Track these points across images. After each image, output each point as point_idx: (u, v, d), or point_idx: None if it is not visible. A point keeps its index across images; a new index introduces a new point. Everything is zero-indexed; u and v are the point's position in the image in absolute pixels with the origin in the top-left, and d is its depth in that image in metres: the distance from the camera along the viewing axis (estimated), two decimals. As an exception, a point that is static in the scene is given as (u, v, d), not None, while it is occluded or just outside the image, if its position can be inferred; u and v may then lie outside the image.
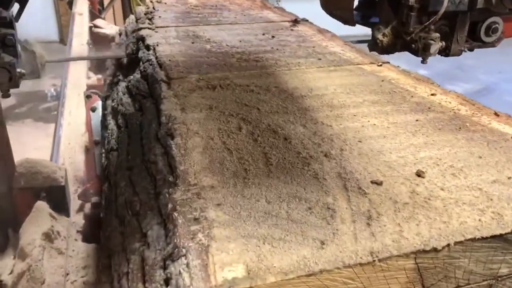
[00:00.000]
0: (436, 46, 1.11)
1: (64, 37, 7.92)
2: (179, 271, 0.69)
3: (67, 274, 1.97)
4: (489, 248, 0.78)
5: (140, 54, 1.67)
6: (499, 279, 0.81)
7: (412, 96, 1.29)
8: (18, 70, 1.16)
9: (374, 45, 1.18)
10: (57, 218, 2.04)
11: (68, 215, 2.17)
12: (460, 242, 0.76)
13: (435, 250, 0.75)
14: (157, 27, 1.86)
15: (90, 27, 5.47)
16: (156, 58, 1.55)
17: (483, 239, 0.77)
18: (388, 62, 1.57)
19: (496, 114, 1.21)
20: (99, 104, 2.70)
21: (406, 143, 1.05)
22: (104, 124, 1.76)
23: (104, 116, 1.73)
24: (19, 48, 1.18)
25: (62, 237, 2.00)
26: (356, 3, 1.26)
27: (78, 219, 2.37)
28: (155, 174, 0.97)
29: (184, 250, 0.72)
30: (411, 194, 0.87)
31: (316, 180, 0.90)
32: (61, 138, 3.28)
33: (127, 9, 8.78)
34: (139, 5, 6.66)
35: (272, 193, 0.86)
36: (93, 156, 2.74)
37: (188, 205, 0.82)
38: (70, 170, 2.74)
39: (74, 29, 5.33)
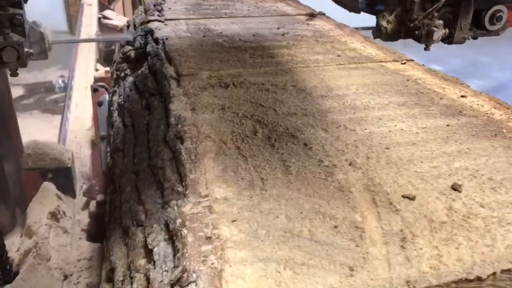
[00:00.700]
0: (439, 33, 1.11)
1: (73, 27, 7.85)
2: (189, 300, 0.61)
3: (71, 275, 1.93)
4: (540, 277, 0.69)
5: (149, 48, 1.58)
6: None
7: (441, 98, 1.19)
8: (26, 49, 1.17)
9: (378, 32, 1.18)
10: (63, 198, 2.14)
11: (74, 196, 2.26)
12: (507, 270, 0.67)
13: (479, 279, 0.66)
14: (166, 19, 1.77)
15: (99, 18, 5.39)
16: (165, 52, 1.46)
17: (534, 267, 0.68)
18: (412, 60, 1.47)
19: (534, 119, 1.11)
20: (106, 98, 2.62)
21: (438, 151, 0.95)
22: (110, 121, 1.67)
23: (110, 112, 1.65)
24: (27, 28, 1.19)
25: (68, 217, 2.08)
26: None
27: (83, 217, 2.31)
28: (162, 181, 0.89)
29: (194, 275, 0.63)
30: (448, 212, 0.77)
31: (341, 193, 0.81)
32: (67, 132, 3.21)
33: (136, 0, 8.69)
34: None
35: (292, 207, 0.77)
36: (99, 151, 2.67)
37: (198, 220, 0.73)
38: (76, 166, 2.69)
39: (82, 20, 5.26)
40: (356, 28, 1.73)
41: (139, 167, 1.01)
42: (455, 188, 0.84)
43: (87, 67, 4.16)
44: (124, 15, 7.86)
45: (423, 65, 1.45)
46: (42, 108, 6.04)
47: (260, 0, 2.11)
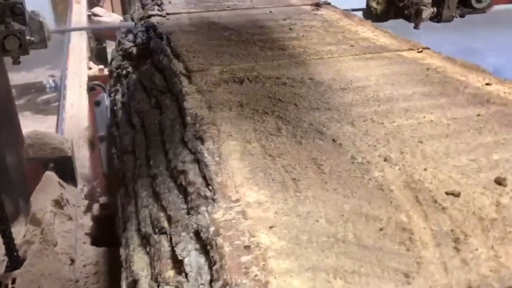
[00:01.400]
0: (427, 11, 1.18)
1: (60, 25, 7.71)
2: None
3: (77, 282, 1.88)
4: None
5: (152, 44, 1.51)
6: None
7: (465, 87, 1.14)
8: (28, 37, 1.19)
9: (368, 13, 1.26)
10: (66, 187, 2.12)
11: (75, 185, 2.27)
12: None
13: (543, 280, 0.61)
14: (168, 14, 1.70)
15: (89, 16, 5.28)
16: (171, 48, 1.39)
17: None
18: (428, 48, 1.42)
19: None
20: (103, 97, 2.55)
21: (474, 143, 0.90)
22: (113, 120, 1.61)
23: (113, 111, 1.58)
24: (27, 17, 1.21)
25: (71, 205, 2.08)
26: None
27: (85, 221, 2.24)
28: (185, 185, 0.83)
29: (238, 290, 0.58)
30: (497, 208, 0.73)
31: (381, 191, 0.76)
32: (64, 132, 3.13)
33: (125, -3, 8.55)
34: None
35: (332, 209, 0.71)
36: (99, 152, 2.60)
37: (233, 227, 0.68)
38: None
39: (72, 18, 5.15)
40: (346, 10, 1.74)
41: (156, 171, 0.95)
42: (499, 182, 0.79)
43: (79, 66, 4.06)
44: (113, 12, 7.74)
45: (439, 52, 1.40)
46: (34, 109, 5.93)
47: (262, -9, 2.05)
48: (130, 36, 1.85)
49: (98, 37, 5.10)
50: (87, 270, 1.97)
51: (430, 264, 0.62)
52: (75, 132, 3.15)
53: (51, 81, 6.54)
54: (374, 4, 1.24)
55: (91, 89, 2.62)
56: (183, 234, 0.74)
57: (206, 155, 0.86)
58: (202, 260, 0.68)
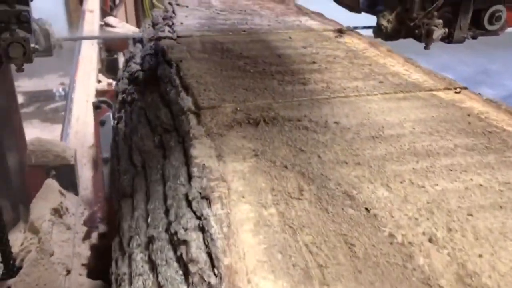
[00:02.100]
0: (439, 32, 1.14)
1: (73, 33, 7.68)
2: None
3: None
4: None
5: (160, 71, 1.38)
6: None
7: (515, 139, 0.99)
8: (32, 45, 1.18)
9: (379, 31, 1.21)
10: (66, 195, 2.12)
11: (76, 193, 2.26)
12: None
13: None
14: (179, 36, 1.57)
15: (101, 25, 5.21)
16: (180, 78, 1.26)
17: None
18: (466, 88, 1.27)
19: None
20: (108, 116, 2.43)
21: (535, 219, 0.75)
22: (115, 145, 1.47)
23: (115, 140, 1.45)
24: (33, 24, 1.20)
25: (71, 213, 2.09)
26: None
27: (83, 250, 2.11)
28: (186, 261, 0.68)
29: None
30: None
31: (429, 289, 0.61)
32: (68, 148, 3.00)
33: (139, 7, 8.53)
34: (154, 6, 6.37)
35: (368, 315, 0.56)
36: (102, 175, 2.47)
37: (244, 337, 0.53)
38: (77, 202, 2.47)
39: (84, 27, 5.07)
40: (356, 28, 1.72)
41: (154, 232, 0.81)
42: None
43: (88, 78, 3.96)
44: (127, 22, 7.69)
45: (479, 94, 1.25)
46: (42, 117, 5.87)
47: (281, 14, 1.92)
48: (138, 57, 1.73)
49: (110, 48, 5.02)
50: (81, 307, 1.84)
51: None
52: (79, 149, 3.03)
53: (60, 89, 6.48)
54: (384, 23, 1.19)
55: (96, 107, 2.49)
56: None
57: (213, 223, 0.71)
58: None
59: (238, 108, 1.09)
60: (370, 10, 1.29)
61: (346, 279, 0.61)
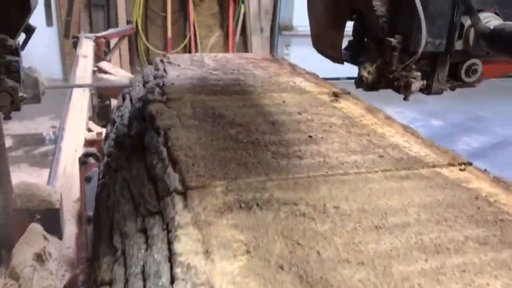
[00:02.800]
0: (417, 84, 1.17)
1: (67, 76, 7.69)
2: None
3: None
4: None
5: (147, 139, 1.30)
6: None
7: (530, 230, 0.91)
8: (20, 94, 1.23)
9: (360, 82, 1.24)
10: (50, 239, 2.08)
11: (61, 237, 2.24)
12: None
13: None
14: (168, 99, 1.51)
15: (94, 71, 5.19)
16: (168, 150, 1.18)
17: None
18: (471, 163, 1.20)
19: None
20: (95, 172, 2.34)
21: None
22: (97, 225, 1.38)
23: (97, 210, 1.35)
24: (22, 74, 1.25)
25: (54, 259, 2.05)
26: (346, 43, 1.35)
27: (65, 295, 1.99)
28: None
29: None
30: None
31: None
32: (52, 201, 2.88)
33: (134, 51, 8.59)
34: (149, 51, 6.40)
35: None
36: (86, 234, 2.35)
37: None
38: (61, 247, 2.40)
39: (77, 73, 5.05)
40: (338, 79, 1.80)
41: None
42: None
43: (78, 127, 3.88)
44: (121, 67, 7.72)
45: (485, 170, 1.18)
46: (31, 161, 5.76)
47: (274, 74, 1.87)
48: (126, 117, 1.66)
49: (102, 95, 4.98)
50: None
51: None
52: (64, 203, 2.91)
53: (51, 133, 6.41)
54: (365, 74, 1.22)
55: (83, 163, 2.39)
56: None
57: None
58: None
59: (229, 188, 1.01)
60: (353, 61, 1.33)
61: None
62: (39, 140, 6.45)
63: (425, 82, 1.20)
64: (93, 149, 3.05)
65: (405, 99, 1.20)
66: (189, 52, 8.56)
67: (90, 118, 4.16)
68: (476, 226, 0.92)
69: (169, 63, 1.91)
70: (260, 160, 1.15)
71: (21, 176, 5.14)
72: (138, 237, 0.98)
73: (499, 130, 7.65)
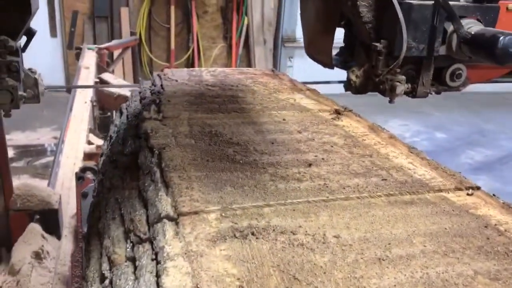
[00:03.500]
0: (401, 87, 1.20)
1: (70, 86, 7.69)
2: None
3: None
4: None
5: (141, 158, 1.25)
6: None
7: (544, 263, 0.85)
8: (20, 93, 1.28)
9: (348, 85, 1.27)
10: (48, 239, 2.13)
11: (59, 237, 2.32)
12: None
13: None
14: (164, 117, 1.46)
15: (96, 82, 5.17)
16: (162, 171, 1.13)
17: None
18: (479, 188, 1.14)
19: None
20: (92, 188, 2.29)
21: None
22: (86, 246, 1.32)
23: (88, 240, 1.30)
24: (22, 74, 1.30)
25: (51, 257, 2.12)
26: (338, 50, 1.39)
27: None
28: None
29: None
30: None
31: None
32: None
33: (137, 62, 8.59)
34: (152, 61, 6.40)
35: None
36: (81, 251, 2.30)
37: None
38: (55, 264, 2.39)
39: (78, 84, 5.03)
40: (329, 82, 1.81)
41: None
42: None
43: (78, 139, 3.85)
44: (124, 78, 7.71)
45: (494, 195, 1.12)
46: (32, 172, 5.72)
47: (274, 90, 1.82)
48: (122, 133, 1.61)
49: (103, 107, 4.95)
50: None
51: None
52: (61, 218, 2.86)
53: (53, 144, 6.39)
54: (353, 78, 1.25)
55: (79, 179, 2.35)
56: None
57: None
58: None
59: (224, 215, 0.96)
60: (343, 66, 1.36)
61: None
62: (40, 151, 6.43)
63: (409, 85, 1.23)
64: (91, 163, 3.01)
65: (390, 102, 1.23)
66: (192, 63, 8.55)
67: (91, 131, 4.13)
68: (486, 258, 0.86)
69: (167, 79, 1.86)
70: (257, 182, 1.10)
71: (22, 187, 5.09)
72: (127, 266, 0.92)
73: (504, 144, 7.57)
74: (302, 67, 8.42)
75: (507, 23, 1.22)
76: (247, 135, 1.38)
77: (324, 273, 0.80)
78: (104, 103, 4.96)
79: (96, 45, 6.35)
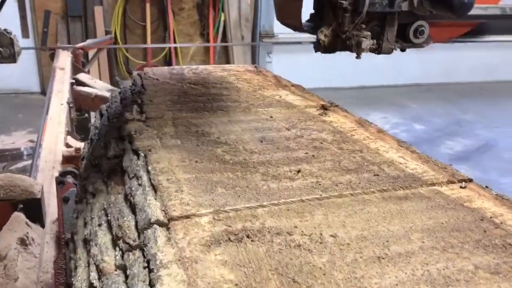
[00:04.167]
0: (367, 42, 1.24)
1: (45, 88, 7.51)
2: None
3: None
4: None
5: (126, 162, 1.21)
6: None
7: (541, 255, 0.85)
8: None
9: (318, 46, 1.31)
10: (32, 226, 2.18)
11: (43, 226, 2.37)
12: None
13: None
14: (148, 118, 1.42)
15: (72, 83, 5.06)
16: (148, 173, 1.09)
17: None
18: (471, 180, 1.14)
19: None
20: (73, 192, 2.22)
21: None
22: (72, 255, 1.27)
23: (74, 247, 1.25)
24: None
25: (36, 244, 2.17)
26: (308, 16, 1.41)
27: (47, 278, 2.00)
28: None
29: None
30: None
31: None
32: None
33: (113, 62, 8.44)
34: (129, 61, 6.31)
35: None
36: (64, 257, 2.23)
37: None
38: (38, 272, 2.32)
39: (54, 86, 4.91)
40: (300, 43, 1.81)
41: None
42: None
43: (55, 142, 3.75)
44: (100, 78, 7.57)
45: (486, 187, 1.12)
46: (8, 177, 5.56)
47: (259, 87, 1.79)
48: (103, 135, 1.56)
49: (80, 108, 4.85)
50: None
51: None
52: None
53: (29, 147, 6.23)
54: (322, 37, 1.29)
55: (59, 183, 2.28)
56: None
57: None
58: None
59: (217, 218, 0.93)
60: (313, 31, 1.39)
61: None
62: (16, 155, 6.26)
63: (375, 41, 1.28)
64: (70, 167, 2.94)
65: (357, 57, 1.27)
66: (170, 61, 8.45)
67: (69, 133, 4.03)
68: (485, 252, 0.86)
69: (147, 78, 1.81)
70: (249, 183, 1.07)
71: None
72: (117, 274, 0.88)
73: (481, 133, 7.72)
74: (281, 62, 8.42)
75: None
76: (235, 134, 1.34)
77: (324, 274, 0.77)
78: (81, 103, 4.85)
79: (70, 45, 6.21)
